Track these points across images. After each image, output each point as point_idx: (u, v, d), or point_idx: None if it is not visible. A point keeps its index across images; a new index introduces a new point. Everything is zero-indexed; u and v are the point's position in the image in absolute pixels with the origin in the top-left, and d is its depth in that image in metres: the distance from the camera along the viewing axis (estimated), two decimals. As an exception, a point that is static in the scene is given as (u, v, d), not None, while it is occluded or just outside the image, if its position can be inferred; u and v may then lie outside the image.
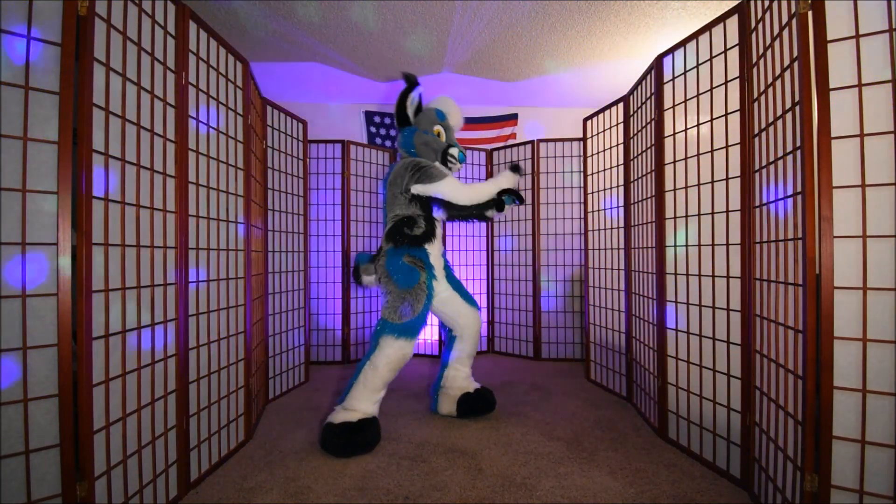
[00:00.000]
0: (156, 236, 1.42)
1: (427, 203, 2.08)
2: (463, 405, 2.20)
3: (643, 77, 2.19)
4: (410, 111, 2.20)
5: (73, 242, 1.14)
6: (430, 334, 3.60)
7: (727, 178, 1.63)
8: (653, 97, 2.05)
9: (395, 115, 2.23)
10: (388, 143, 4.32)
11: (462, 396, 2.21)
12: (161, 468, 1.44)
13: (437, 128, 2.17)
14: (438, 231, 2.16)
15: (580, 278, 3.35)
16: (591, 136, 2.83)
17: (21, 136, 1.07)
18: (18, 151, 1.06)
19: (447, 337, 2.33)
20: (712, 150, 1.70)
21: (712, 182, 1.70)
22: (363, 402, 1.90)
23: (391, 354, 1.91)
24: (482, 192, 2.12)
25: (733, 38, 1.61)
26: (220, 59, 1.79)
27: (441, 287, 2.15)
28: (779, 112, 1.34)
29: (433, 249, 2.09)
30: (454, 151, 2.15)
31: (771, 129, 1.39)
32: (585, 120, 2.87)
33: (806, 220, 1.18)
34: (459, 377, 2.25)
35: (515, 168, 2.21)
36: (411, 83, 2.17)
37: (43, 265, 1.10)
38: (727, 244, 1.63)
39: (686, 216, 1.82)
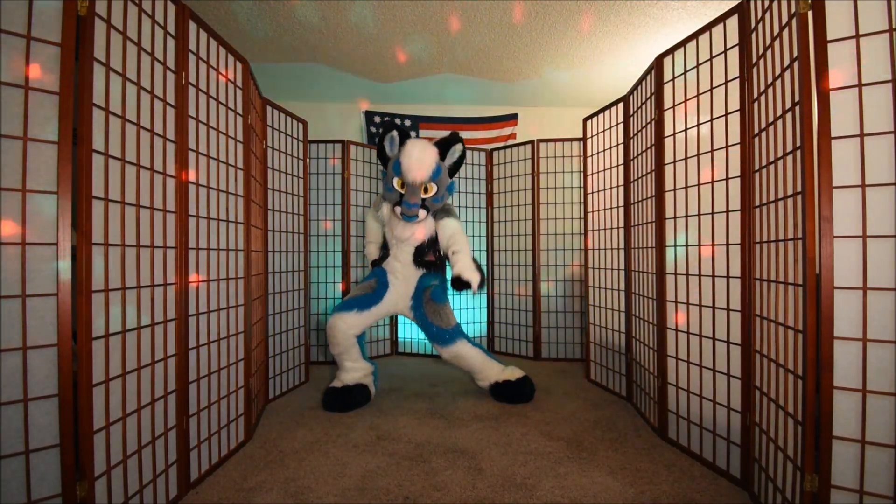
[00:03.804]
0: (156, 236, 1.42)
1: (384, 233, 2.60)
2: (494, 391, 2.50)
3: (643, 77, 2.19)
4: (389, 152, 2.42)
5: (73, 242, 1.14)
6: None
7: (727, 178, 1.63)
8: (653, 97, 2.05)
9: (378, 158, 2.49)
10: (388, 143, 4.31)
11: (492, 385, 2.50)
12: (161, 468, 1.44)
13: (397, 180, 2.36)
14: (391, 255, 2.52)
15: (580, 278, 3.35)
16: (591, 136, 2.83)
17: (21, 136, 1.07)
18: (18, 151, 1.07)
19: None
20: (712, 150, 1.70)
21: (712, 182, 1.70)
22: (342, 374, 2.44)
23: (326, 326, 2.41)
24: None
25: (733, 38, 1.61)
26: (220, 59, 1.79)
27: (411, 314, 2.49)
28: (779, 112, 1.34)
29: (388, 268, 2.53)
30: (397, 210, 2.37)
31: (771, 129, 1.39)
32: (585, 120, 2.87)
33: (806, 220, 1.18)
34: (481, 378, 2.52)
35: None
36: (385, 130, 2.39)
37: (43, 265, 1.10)
38: (727, 244, 1.63)
39: (686, 216, 1.83)
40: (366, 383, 2.45)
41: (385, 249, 2.58)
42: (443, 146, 2.38)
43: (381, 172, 2.48)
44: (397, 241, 2.47)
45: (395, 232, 2.45)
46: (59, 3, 1.12)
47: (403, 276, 2.49)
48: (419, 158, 2.27)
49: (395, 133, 2.36)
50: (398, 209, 2.34)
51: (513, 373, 2.50)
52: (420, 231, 2.44)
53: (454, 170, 2.47)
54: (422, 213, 2.34)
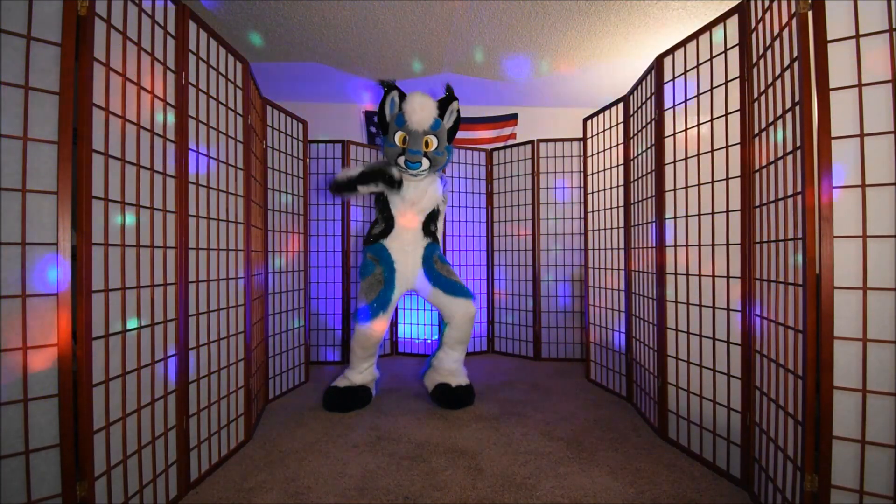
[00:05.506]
0: (156, 236, 1.42)
1: (384, 202, 2.46)
2: (436, 394, 2.43)
3: (643, 77, 2.19)
4: (389, 117, 2.40)
5: (73, 242, 1.14)
6: (427, 334, 3.60)
7: (727, 178, 1.63)
8: (653, 97, 2.05)
9: (378, 125, 2.45)
10: (388, 143, 4.32)
11: (438, 385, 2.43)
12: (161, 468, 1.44)
13: (399, 135, 2.36)
14: (398, 227, 2.43)
15: (580, 278, 3.35)
16: (591, 136, 2.83)
17: (21, 136, 1.07)
18: (18, 151, 1.06)
19: (440, 322, 2.55)
20: (712, 150, 1.70)
21: (712, 182, 1.70)
22: (352, 374, 2.42)
23: (356, 334, 2.36)
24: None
25: (733, 38, 1.61)
26: (220, 59, 1.79)
27: (418, 282, 2.45)
28: (779, 112, 1.34)
29: (393, 244, 2.43)
30: (401, 160, 2.35)
31: (771, 129, 1.39)
32: (585, 120, 2.87)
33: (806, 220, 1.18)
34: (448, 360, 2.48)
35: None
36: (388, 89, 2.38)
37: (43, 265, 1.10)
38: (727, 244, 1.63)
39: (686, 216, 1.83)
40: (369, 385, 2.48)
41: (382, 227, 2.46)
42: (441, 105, 2.44)
43: (382, 139, 2.45)
44: (408, 206, 2.43)
45: (406, 195, 2.42)
46: (59, 2, 1.12)
47: (413, 245, 2.45)
48: (421, 104, 2.34)
49: (395, 95, 2.42)
50: (401, 159, 2.35)
51: (464, 378, 2.50)
52: (429, 196, 2.44)
53: (452, 133, 2.51)
54: (425, 161, 2.36)
